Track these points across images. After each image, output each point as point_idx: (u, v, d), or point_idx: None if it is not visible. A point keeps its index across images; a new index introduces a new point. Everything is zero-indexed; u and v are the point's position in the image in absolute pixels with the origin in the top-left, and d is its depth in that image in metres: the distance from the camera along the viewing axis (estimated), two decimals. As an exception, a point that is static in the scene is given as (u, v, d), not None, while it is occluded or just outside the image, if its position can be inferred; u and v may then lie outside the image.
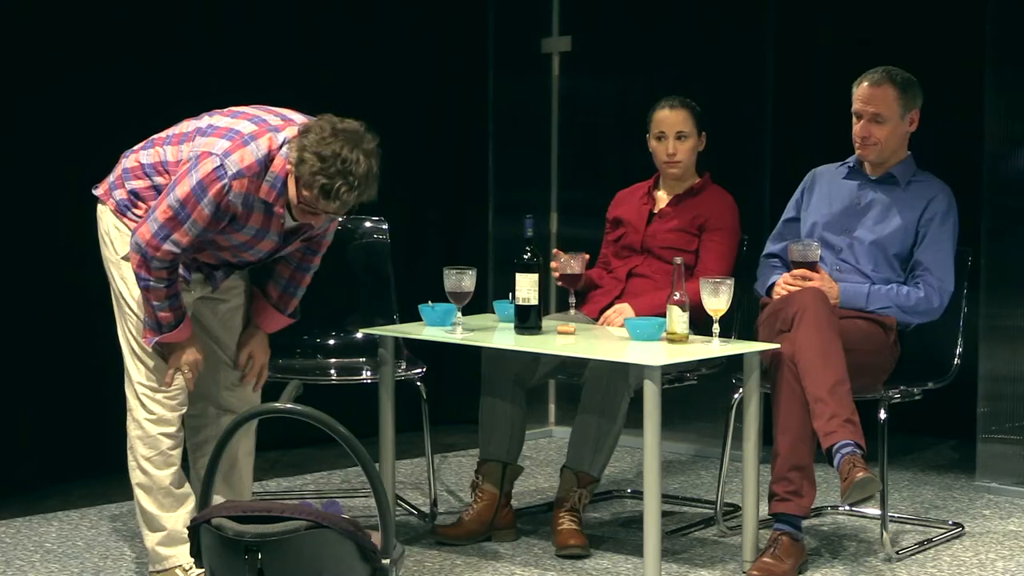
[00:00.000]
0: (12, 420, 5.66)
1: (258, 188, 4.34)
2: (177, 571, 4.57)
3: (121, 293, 4.57)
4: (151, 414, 4.54)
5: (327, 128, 4.24)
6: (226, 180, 4.28)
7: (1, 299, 5.64)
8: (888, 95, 5.15)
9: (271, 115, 4.48)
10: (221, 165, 4.30)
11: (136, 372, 4.55)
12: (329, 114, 4.33)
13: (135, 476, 4.59)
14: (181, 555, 4.53)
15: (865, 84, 5.18)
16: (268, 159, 4.34)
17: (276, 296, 4.75)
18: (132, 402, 4.56)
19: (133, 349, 4.55)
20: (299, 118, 4.46)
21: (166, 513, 4.56)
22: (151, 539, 4.58)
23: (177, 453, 4.58)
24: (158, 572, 4.60)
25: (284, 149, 4.34)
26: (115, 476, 5.79)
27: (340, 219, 4.75)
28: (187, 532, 3.79)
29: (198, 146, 4.39)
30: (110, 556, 5.00)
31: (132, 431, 4.57)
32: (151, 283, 4.38)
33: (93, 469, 5.86)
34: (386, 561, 3.70)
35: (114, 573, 4.83)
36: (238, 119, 4.45)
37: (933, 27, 6.42)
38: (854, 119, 5.20)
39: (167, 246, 4.33)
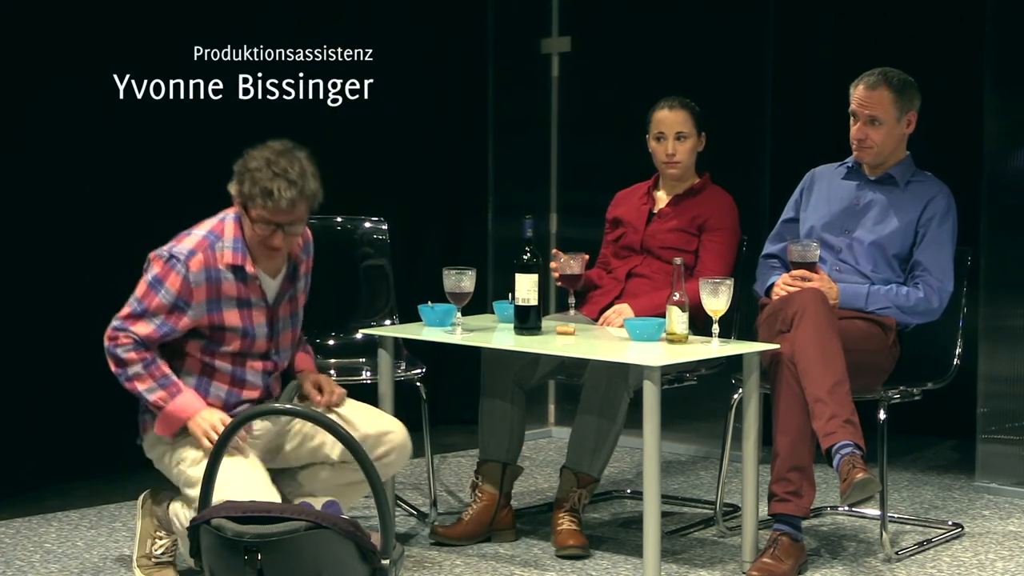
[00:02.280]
0: (12, 420, 5.66)
1: (216, 259, 4.46)
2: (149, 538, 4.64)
3: None
4: None
5: (255, 150, 4.46)
6: (179, 266, 4.43)
7: (0, 299, 5.64)
8: (884, 98, 5.15)
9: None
10: (171, 257, 4.45)
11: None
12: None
13: None
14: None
15: (861, 86, 5.17)
16: (215, 233, 4.49)
17: (299, 358, 4.81)
18: None
19: None
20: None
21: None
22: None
23: None
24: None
25: (229, 218, 4.53)
26: (115, 476, 5.83)
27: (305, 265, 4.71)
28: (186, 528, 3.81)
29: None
30: (110, 556, 5.00)
31: None
32: (130, 371, 4.44)
33: (93, 469, 5.87)
34: (386, 561, 3.70)
35: (114, 573, 4.83)
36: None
37: (933, 26, 6.42)
38: (851, 120, 5.20)
39: (123, 335, 4.43)
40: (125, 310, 4.47)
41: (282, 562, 3.64)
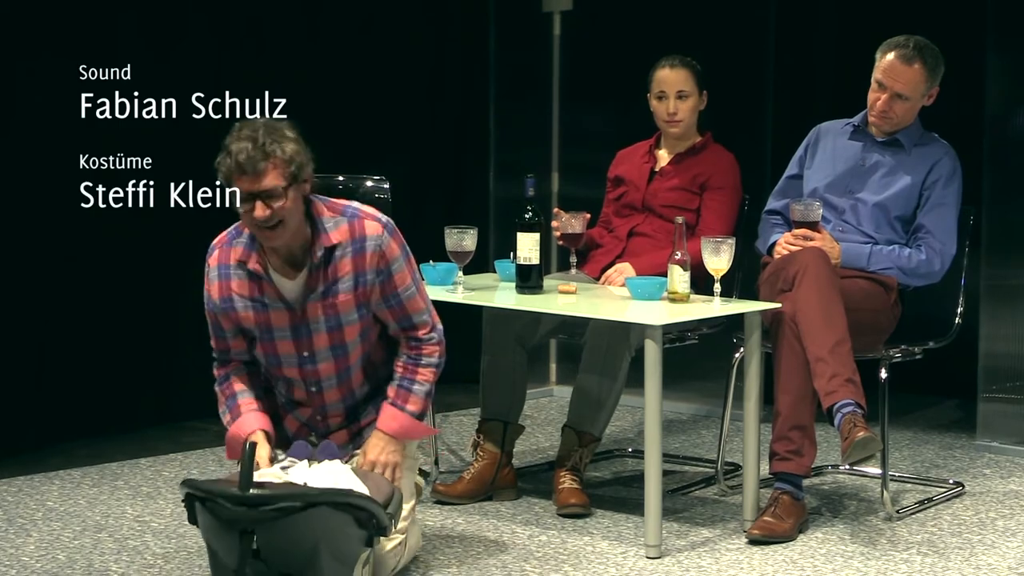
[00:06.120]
0: (14, 379, 5.66)
1: (229, 255, 4.20)
2: None
3: None
4: None
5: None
6: (207, 267, 4.23)
7: (1, 258, 5.63)
8: (917, 76, 5.09)
9: None
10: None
11: None
12: None
13: None
14: None
15: (894, 58, 5.09)
16: (238, 229, 4.20)
17: (393, 393, 4.31)
18: None
19: None
20: None
21: None
22: None
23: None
24: None
25: None
26: (116, 435, 5.84)
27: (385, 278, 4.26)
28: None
29: None
30: (111, 515, 5.01)
31: None
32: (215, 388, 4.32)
33: (95, 428, 5.87)
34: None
35: (115, 531, 4.84)
36: None
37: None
38: (874, 85, 5.13)
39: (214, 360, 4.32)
40: None
41: (278, 540, 3.66)
